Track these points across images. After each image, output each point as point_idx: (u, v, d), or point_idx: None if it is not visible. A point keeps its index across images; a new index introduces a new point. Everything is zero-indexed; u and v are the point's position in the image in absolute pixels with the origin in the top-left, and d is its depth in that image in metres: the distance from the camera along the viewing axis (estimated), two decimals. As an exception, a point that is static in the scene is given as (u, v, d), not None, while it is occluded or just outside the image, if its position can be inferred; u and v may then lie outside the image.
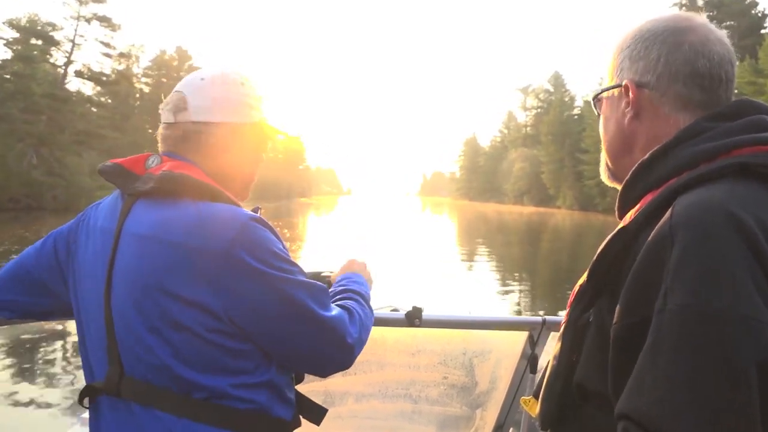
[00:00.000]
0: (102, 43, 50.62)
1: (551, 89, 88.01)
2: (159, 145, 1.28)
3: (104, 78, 51.24)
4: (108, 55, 52.35)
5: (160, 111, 1.26)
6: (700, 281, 0.73)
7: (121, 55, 54.28)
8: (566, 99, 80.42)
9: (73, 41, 46.83)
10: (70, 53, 46.63)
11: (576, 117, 74.72)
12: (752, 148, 0.84)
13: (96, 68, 50.80)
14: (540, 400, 1.04)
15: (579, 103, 77.48)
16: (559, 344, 0.99)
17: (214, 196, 1.14)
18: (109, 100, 54.80)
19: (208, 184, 1.15)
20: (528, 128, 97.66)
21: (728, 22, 54.17)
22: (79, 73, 48.29)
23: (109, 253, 1.14)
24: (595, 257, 0.90)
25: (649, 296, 0.77)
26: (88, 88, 51.02)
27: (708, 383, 0.71)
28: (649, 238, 0.80)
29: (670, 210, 0.81)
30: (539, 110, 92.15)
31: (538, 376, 1.72)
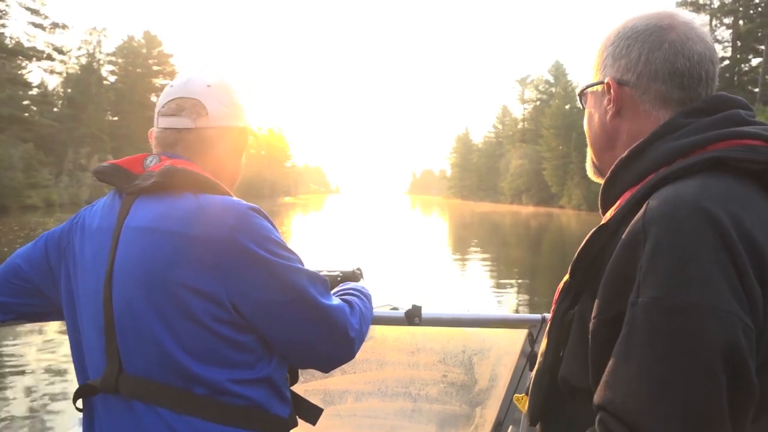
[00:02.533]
0: (29, 9, 43.83)
1: (552, 80, 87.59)
2: (153, 146, 1.40)
3: (32, 53, 44.87)
4: (40, 26, 45.87)
5: (159, 115, 1.39)
6: (671, 275, 0.79)
7: (55, 25, 47.94)
8: (569, 89, 79.90)
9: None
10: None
11: (577, 110, 73.40)
12: (727, 143, 0.91)
13: (27, 44, 43.88)
14: (528, 396, 1.13)
15: (583, 93, 76.38)
16: (546, 340, 1.07)
17: (213, 189, 1.27)
18: (57, 85, 49.25)
19: (208, 178, 1.28)
20: (526, 122, 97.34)
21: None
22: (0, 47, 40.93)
23: (109, 250, 1.24)
24: (576, 254, 0.97)
25: (624, 291, 0.83)
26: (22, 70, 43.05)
27: (679, 375, 0.77)
28: (624, 235, 0.87)
29: (644, 206, 0.87)
30: (538, 102, 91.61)
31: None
